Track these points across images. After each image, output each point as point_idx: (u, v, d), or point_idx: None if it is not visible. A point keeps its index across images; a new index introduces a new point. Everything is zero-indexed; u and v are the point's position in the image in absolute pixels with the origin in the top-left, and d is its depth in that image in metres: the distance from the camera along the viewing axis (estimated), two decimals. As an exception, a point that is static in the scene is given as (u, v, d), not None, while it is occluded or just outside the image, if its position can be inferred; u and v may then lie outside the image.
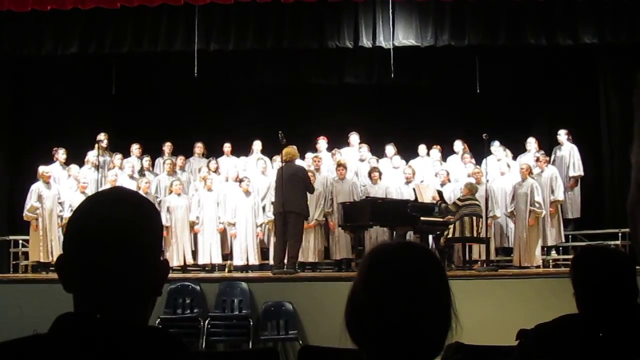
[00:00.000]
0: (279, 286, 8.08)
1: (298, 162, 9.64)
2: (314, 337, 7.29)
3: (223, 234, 10.20)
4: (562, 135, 10.78)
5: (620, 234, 9.61)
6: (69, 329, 1.15)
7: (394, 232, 9.68)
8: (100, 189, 9.48)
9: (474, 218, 9.22)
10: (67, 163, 10.52)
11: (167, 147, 11.25)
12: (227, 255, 10.22)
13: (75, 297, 1.22)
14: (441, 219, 9.28)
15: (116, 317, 1.17)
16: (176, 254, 9.80)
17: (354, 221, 9.19)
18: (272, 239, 10.03)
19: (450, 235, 9.45)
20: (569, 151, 10.66)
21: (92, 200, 1.30)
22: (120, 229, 1.21)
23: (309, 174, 10.07)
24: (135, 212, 1.25)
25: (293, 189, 8.81)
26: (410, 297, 1.29)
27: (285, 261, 8.83)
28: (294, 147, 9.25)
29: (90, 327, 1.15)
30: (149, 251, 1.24)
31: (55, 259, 10.54)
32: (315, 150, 11.02)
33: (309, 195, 9.71)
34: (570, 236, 10.58)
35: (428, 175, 10.73)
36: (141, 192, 9.95)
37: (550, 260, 10.13)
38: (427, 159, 11.07)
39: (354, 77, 11.78)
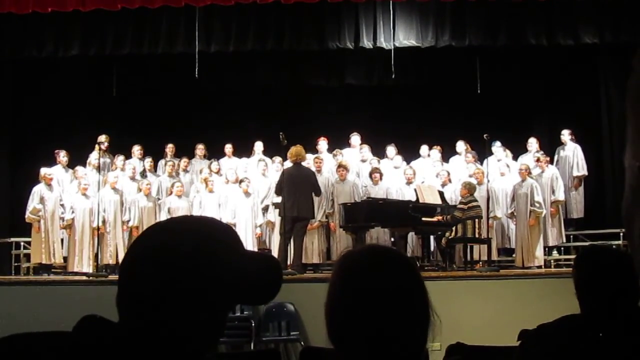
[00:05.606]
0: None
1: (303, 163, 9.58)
2: (315, 338, 7.27)
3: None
4: (565, 135, 10.77)
5: (621, 234, 9.59)
6: (87, 330, 1.15)
7: (394, 233, 9.70)
8: (100, 191, 9.55)
9: (475, 219, 9.22)
10: (69, 165, 10.53)
11: (169, 148, 11.25)
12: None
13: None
14: (442, 220, 9.28)
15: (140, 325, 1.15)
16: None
17: (355, 222, 9.19)
18: (273, 240, 10.04)
19: (451, 236, 9.45)
20: (572, 151, 10.66)
21: (161, 225, 1.23)
22: (183, 261, 1.14)
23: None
24: (201, 245, 1.16)
25: (305, 194, 8.84)
26: (384, 306, 1.27)
27: (291, 262, 8.86)
28: (301, 147, 9.24)
29: (104, 329, 1.15)
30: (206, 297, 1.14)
31: (57, 260, 10.46)
32: (316, 151, 11.00)
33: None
34: (572, 236, 10.57)
35: (429, 176, 10.72)
36: (142, 193, 9.98)
37: (552, 261, 10.12)
38: (429, 160, 11.06)
39: (354, 78, 11.76)
